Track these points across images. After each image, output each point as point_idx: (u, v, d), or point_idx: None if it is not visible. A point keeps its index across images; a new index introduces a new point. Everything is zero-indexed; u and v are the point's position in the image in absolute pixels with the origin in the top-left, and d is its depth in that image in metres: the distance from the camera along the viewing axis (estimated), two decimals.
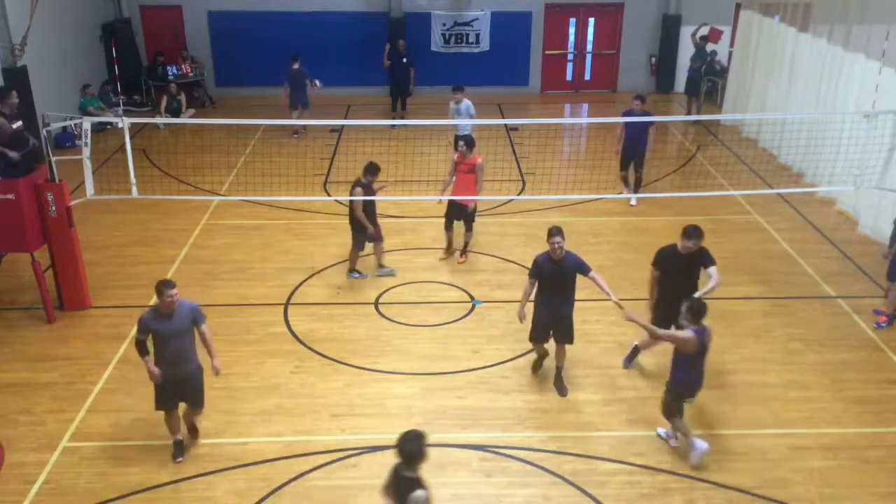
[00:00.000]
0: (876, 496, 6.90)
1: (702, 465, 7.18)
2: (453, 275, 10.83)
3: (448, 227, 11.12)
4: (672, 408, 7.25)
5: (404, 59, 18.08)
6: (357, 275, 10.76)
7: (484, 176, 11.15)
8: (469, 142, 10.82)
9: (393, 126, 17.36)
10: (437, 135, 16.71)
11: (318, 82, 17.35)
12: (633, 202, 13.17)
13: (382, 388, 8.38)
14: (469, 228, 11.10)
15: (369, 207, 10.44)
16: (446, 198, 10.99)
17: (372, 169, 10.30)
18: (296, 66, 17.14)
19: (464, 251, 11.25)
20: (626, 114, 13.01)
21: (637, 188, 13.20)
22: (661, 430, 7.62)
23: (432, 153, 14.27)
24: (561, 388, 8.30)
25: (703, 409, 8.00)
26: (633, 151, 12.93)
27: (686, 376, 7.07)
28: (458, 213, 10.97)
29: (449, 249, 11.27)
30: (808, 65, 14.55)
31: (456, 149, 14.17)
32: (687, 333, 6.86)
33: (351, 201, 10.31)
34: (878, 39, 12.71)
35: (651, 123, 12.61)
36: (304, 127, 17.05)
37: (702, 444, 7.16)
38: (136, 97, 19.56)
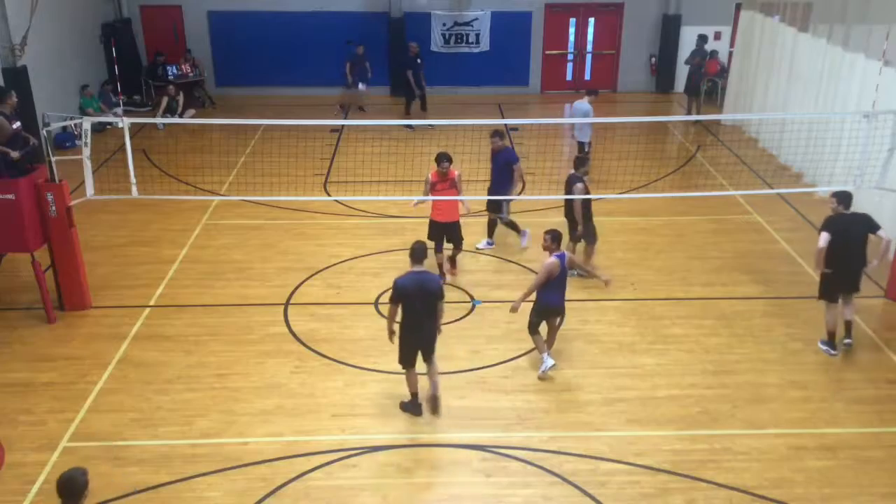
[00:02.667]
0: (876, 496, 6.90)
1: (546, 377, 8.44)
2: (453, 275, 10.82)
3: (438, 249, 10.45)
4: (534, 325, 8.44)
5: (419, 60, 18.05)
6: (583, 273, 10.47)
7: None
8: (450, 158, 10.24)
9: (431, 126, 17.28)
10: (438, 135, 16.73)
11: (362, 86, 18.73)
12: (524, 244, 11.57)
13: (382, 388, 8.38)
14: (459, 247, 10.64)
15: (588, 204, 10.37)
16: (431, 198, 10.50)
17: (583, 161, 10.57)
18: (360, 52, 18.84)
19: (453, 263, 10.77)
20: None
21: (491, 233, 11.72)
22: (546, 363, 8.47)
23: (433, 153, 14.20)
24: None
25: (703, 409, 8.02)
26: (496, 192, 11.34)
27: (551, 297, 8.26)
28: (447, 233, 10.44)
29: (443, 275, 10.47)
30: (809, 65, 14.55)
31: (583, 151, 14.08)
32: (552, 259, 8.08)
33: (572, 197, 10.26)
34: (878, 39, 12.71)
35: (515, 161, 11.13)
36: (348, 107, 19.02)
37: (549, 361, 8.41)
38: (136, 97, 19.57)
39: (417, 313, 7.55)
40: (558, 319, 8.60)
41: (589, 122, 13.98)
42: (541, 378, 8.48)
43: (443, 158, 10.07)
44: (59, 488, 4.90)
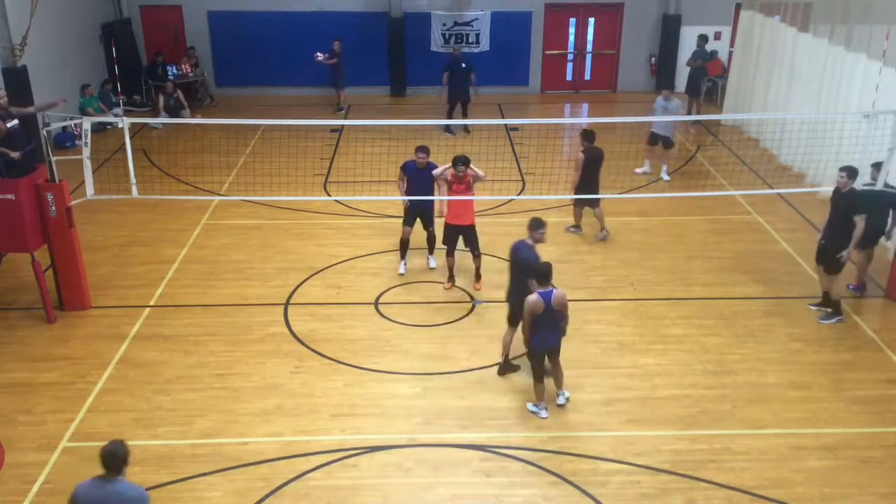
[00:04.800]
0: (875, 496, 6.90)
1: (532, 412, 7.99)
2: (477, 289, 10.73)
3: (450, 253, 10.32)
4: (534, 371, 7.91)
5: (463, 65, 17.40)
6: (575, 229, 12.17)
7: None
8: (467, 161, 9.96)
9: (450, 131, 17.26)
10: (438, 135, 16.72)
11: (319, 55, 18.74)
12: (431, 265, 11.12)
13: (382, 388, 8.38)
14: (478, 254, 10.36)
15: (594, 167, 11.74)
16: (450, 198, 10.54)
17: (590, 134, 11.83)
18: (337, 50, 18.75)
19: (478, 276, 10.51)
20: (407, 166, 10.60)
21: (432, 248, 11.07)
22: (531, 406, 8.05)
23: (433, 153, 14.22)
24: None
25: (703, 409, 8.02)
26: (420, 204, 10.53)
27: (537, 335, 7.70)
28: (463, 236, 10.25)
29: (452, 278, 10.52)
30: (809, 65, 14.55)
31: (655, 143, 14.39)
32: (532, 297, 7.59)
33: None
34: (879, 39, 12.71)
35: (431, 169, 10.45)
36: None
37: (544, 414, 7.94)
38: (136, 97, 19.56)
39: (511, 276, 8.47)
40: (553, 359, 7.99)
41: (666, 117, 14.18)
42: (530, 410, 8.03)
43: (459, 161, 9.96)
44: (103, 462, 5.07)
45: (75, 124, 15.05)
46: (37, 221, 9.43)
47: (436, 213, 10.73)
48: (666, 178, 14.54)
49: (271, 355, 8.98)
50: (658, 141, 14.55)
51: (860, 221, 9.13)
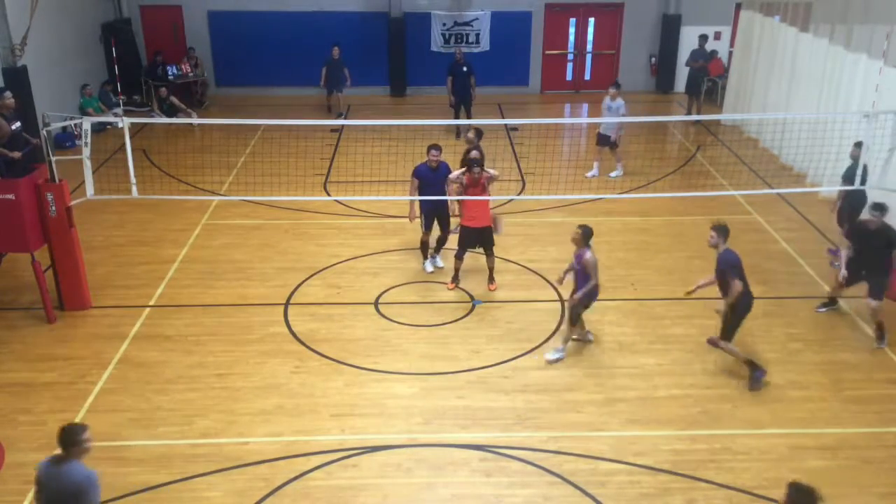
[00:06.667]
0: (876, 496, 6.90)
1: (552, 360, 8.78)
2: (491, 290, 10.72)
3: (461, 256, 10.30)
4: (576, 317, 8.78)
5: (464, 68, 17.26)
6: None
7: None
8: (481, 164, 10.01)
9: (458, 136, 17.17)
10: (437, 135, 16.71)
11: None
12: (437, 264, 11.08)
13: (382, 388, 8.38)
14: (491, 253, 10.29)
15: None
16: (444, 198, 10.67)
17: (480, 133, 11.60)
18: (335, 56, 18.45)
19: (492, 277, 10.46)
20: (419, 170, 10.49)
21: (439, 248, 11.05)
22: (548, 355, 8.80)
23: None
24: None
25: (703, 409, 8.02)
26: (437, 207, 10.53)
27: (595, 290, 8.67)
28: (479, 239, 10.20)
29: (457, 279, 10.51)
30: (810, 65, 14.55)
31: (605, 145, 14.36)
32: (593, 255, 8.55)
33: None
34: (879, 39, 12.71)
35: (448, 172, 10.36)
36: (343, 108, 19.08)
37: (559, 354, 8.81)
38: (135, 97, 19.56)
39: (734, 285, 8.34)
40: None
41: (614, 117, 14.13)
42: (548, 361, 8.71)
43: (474, 164, 9.93)
44: (58, 441, 5.22)
45: (75, 124, 15.05)
46: (37, 221, 9.43)
47: (452, 212, 10.67)
48: (613, 174, 14.49)
49: (271, 355, 8.98)
50: (606, 142, 14.41)
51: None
